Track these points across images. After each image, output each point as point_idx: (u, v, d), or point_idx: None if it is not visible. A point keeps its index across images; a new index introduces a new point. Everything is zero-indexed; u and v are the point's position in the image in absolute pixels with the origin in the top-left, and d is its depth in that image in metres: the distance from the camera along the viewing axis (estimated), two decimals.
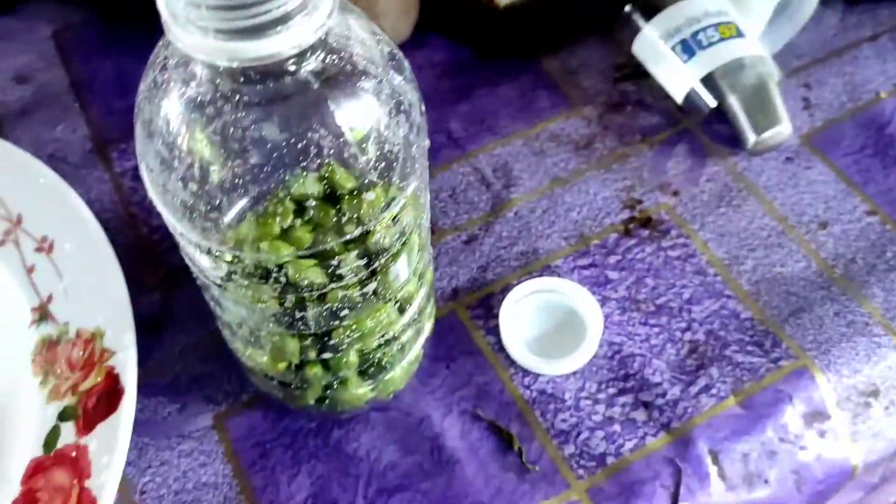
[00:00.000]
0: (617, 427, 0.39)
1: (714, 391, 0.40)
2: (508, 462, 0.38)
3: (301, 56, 0.25)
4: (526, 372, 0.41)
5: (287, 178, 0.27)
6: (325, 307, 0.31)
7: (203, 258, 0.31)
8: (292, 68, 0.25)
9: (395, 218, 0.30)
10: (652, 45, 0.49)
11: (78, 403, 0.35)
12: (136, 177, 0.47)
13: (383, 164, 0.28)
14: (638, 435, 0.39)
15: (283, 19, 0.23)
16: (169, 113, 0.27)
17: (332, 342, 0.33)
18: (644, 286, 0.43)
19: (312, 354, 0.34)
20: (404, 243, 0.32)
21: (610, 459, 0.38)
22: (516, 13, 0.51)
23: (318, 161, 0.27)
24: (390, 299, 0.33)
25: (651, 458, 0.38)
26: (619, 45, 0.52)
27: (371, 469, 0.38)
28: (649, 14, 0.49)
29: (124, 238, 0.45)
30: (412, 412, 0.40)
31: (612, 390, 0.40)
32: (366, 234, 0.29)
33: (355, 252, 0.30)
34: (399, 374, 0.38)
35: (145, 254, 0.44)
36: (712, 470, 0.38)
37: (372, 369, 0.36)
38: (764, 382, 0.40)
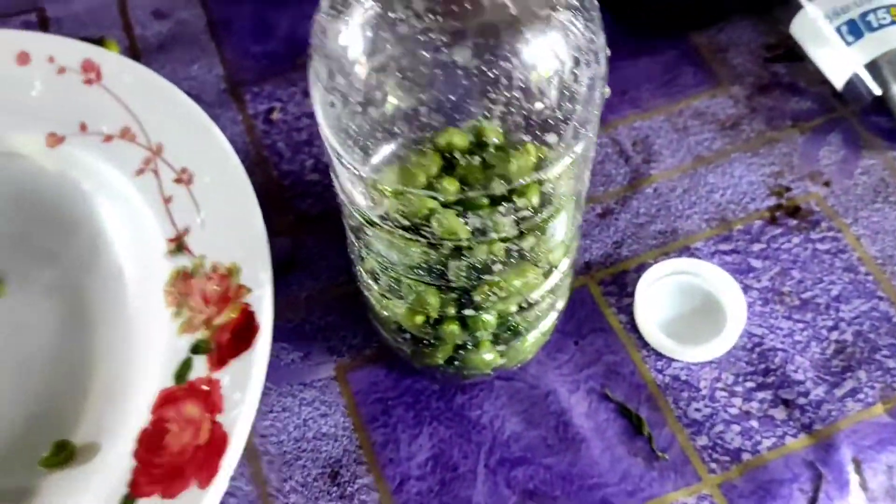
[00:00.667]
0: (754, 423, 0.37)
1: (861, 396, 0.38)
2: (636, 447, 0.37)
3: None
4: (659, 355, 0.39)
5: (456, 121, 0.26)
6: (477, 260, 0.30)
7: (360, 196, 0.30)
8: None
9: (563, 173, 0.28)
10: (814, 23, 0.46)
11: (211, 337, 0.35)
12: (268, 120, 0.46)
13: (566, 103, 0.27)
14: (776, 434, 0.37)
15: None
16: (354, 32, 0.25)
17: (474, 300, 0.32)
18: (789, 278, 0.41)
19: (452, 311, 0.33)
20: (566, 200, 0.30)
21: (745, 456, 0.36)
22: None
23: (503, 96, 0.25)
24: (540, 261, 0.32)
25: (790, 459, 0.36)
26: (775, 23, 0.50)
27: (494, 438, 0.37)
28: None
29: (255, 180, 0.44)
30: (538, 385, 0.38)
31: (750, 384, 0.38)
32: (531, 188, 0.28)
33: (521, 196, 0.28)
34: (529, 344, 0.37)
35: (275, 198, 0.44)
36: (853, 479, 0.36)
37: (506, 334, 0.35)
38: None
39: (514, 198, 0.28)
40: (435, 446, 0.37)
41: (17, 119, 0.41)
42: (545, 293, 0.34)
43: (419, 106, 0.26)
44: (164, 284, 0.37)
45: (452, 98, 0.26)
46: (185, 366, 0.34)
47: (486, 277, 0.31)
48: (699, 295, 0.40)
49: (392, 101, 0.26)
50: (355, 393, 0.38)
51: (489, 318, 0.33)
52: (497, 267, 0.31)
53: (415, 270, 0.31)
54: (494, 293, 0.32)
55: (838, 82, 0.45)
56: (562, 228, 0.31)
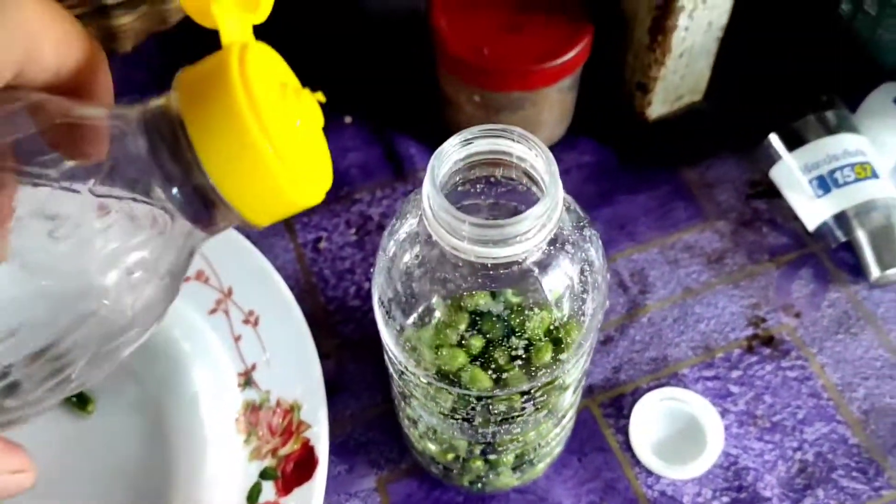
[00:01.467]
0: None
1: None
2: None
3: (528, 254, 0.31)
4: (650, 473, 0.46)
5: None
6: (499, 427, 0.37)
7: (410, 378, 0.37)
8: (520, 260, 0.31)
9: (573, 365, 0.36)
10: (790, 174, 0.53)
11: (277, 466, 0.42)
12: (316, 249, 0.54)
13: (573, 323, 0.34)
14: None
15: (524, 234, 0.29)
16: (413, 266, 0.33)
17: (497, 447, 0.39)
18: (762, 402, 0.48)
19: (477, 452, 0.40)
20: (574, 380, 0.37)
21: None
22: (663, 126, 0.56)
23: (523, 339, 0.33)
24: (553, 418, 0.39)
25: None
26: (757, 161, 0.57)
27: None
28: (791, 144, 0.53)
29: (304, 306, 0.51)
30: (546, 498, 0.46)
31: (725, 499, 0.45)
32: (546, 382, 0.35)
33: (527, 397, 0.36)
34: (542, 467, 0.44)
35: (322, 322, 0.51)
36: None
37: (524, 465, 0.42)
38: None
39: (530, 356, 0.36)
40: None
41: None
42: (556, 435, 0.41)
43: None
44: (236, 413, 0.44)
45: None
46: (256, 489, 0.42)
47: (507, 436, 0.38)
48: (685, 419, 0.48)
49: (438, 321, 0.33)
50: (393, 503, 0.46)
51: (510, 457, 0.40)
52: (516, 430, 0.38)
53: (446, 420, 0.39)
54: (514, 443, 0.39)
55: (810, 226, 0.53)
56: (570, 396, 0.39)
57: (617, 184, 0.56)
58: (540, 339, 0.33)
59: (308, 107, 0.26)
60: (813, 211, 0.52)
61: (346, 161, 0.57)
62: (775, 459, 0.46)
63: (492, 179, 0.33)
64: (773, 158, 0.54)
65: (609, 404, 0.48)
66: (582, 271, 0.33)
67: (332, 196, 0.56)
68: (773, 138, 0.54)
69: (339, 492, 0.46)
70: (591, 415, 0.48)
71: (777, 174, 0.54)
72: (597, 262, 0.34)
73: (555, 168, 0.30)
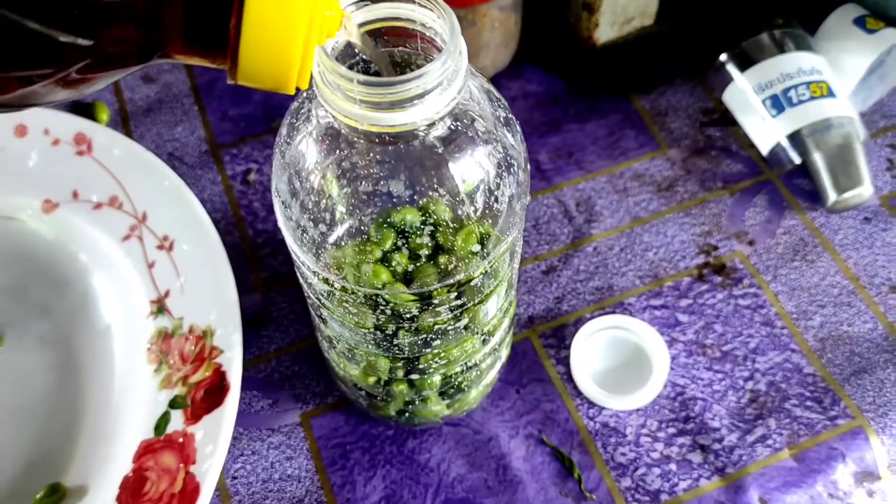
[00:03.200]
0: (673, 466, 0.42)
1: (770, 442, 0.42)
2: (567, 488, 0.41)
3: (430, 125, 0.28)
4: (591, 404, 0.43)
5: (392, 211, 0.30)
6: (419, 337, 0.35)
7: (314, 279, 0.34)
8: (421, 134, 0.28)
9: (492, 265, 0.33)
10: (742, 95, 0.50)
11: (187, 394, 0.39)
12: (245, 181, 0.51)
13: (489, 217, 0.31)
14: (693, 476, 0.41)
15: (421, 96, 0.26)
16: (306, 156, 0.30)
17: (420, 366, 0.37)
18: (712, 332, 0.45)
19: (400, 374, 0.37)
20: (497, 285, 0.35)
21: (664, 497, 0.41)
22: (613, 52, 0.53)
23: (431, 213, 0.30)
24: (477, 332, 0.36)
25: (703, 500, 0.41)
26: (709, 90, 0.54)
27: (440, 480, 0.41)
28: (743, 64, 0.50)
29: (231, 239, 0.49)
30: (482, 430, 0.43)
31: (671, 430, 0.43)
32: (462, 279, 0.32)
33: (450, 292, 0.33)
34: (474, 395, 0.41)
35: (248, 256, 0.48)
36: None
37: (451, 390, 0.39)
38: (819, 438, 0.42)
39: (457, 272, 0.33)
40: (388, 487, 0.41)
41: (15, 186, 0.46)
42: (484, 355, 0.39)
43: (362, 219, 0.30)
44: (147, 342, 0.41)
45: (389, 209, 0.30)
46: (164, 419, 0.39)
47: (428, 350, 0.35)
48: (629, 348, 0.45)
49: (338, 211, 0.30)
50: (318, 438, 0.43)
51: (435, 379, 0.38)
52: (437, 342, 0.35)
53: (364, 343, 0.36)
54: (437, 361, 0.36)
55: (764, 149, 0.50)
56: (495, 305, 0.36)
57: (565, 112, 0.54)
58: (447, 226, 0.30)
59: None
60: (767, 132, 0.49)
61: (280, 94, 0.54)
62: (725, 389, 0.44)
63: (395, 60, 0.31)
64: (725, 80, 0.51)
65: (550, 335, 0.46)
66: (497, 159, 0.30)
67: (264, 127, 0.53)
68: (724, 59, 0.51)
69: (261, 427, 0.43)
70: (531, 346, 0.45)
71: (730, 97, 0.51)
72: (514, 148, 0.31)
73: (457, 25, 0.27)
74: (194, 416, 0.38)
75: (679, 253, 0.48)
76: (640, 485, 0.41)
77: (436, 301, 0.33)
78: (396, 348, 0.35)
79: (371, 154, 0.29)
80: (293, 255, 0.34)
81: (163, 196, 0.44)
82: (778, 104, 0.49)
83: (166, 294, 0.42)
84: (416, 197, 0.29)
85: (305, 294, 0.37)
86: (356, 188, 0.29)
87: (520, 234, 0.35)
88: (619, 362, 0.45)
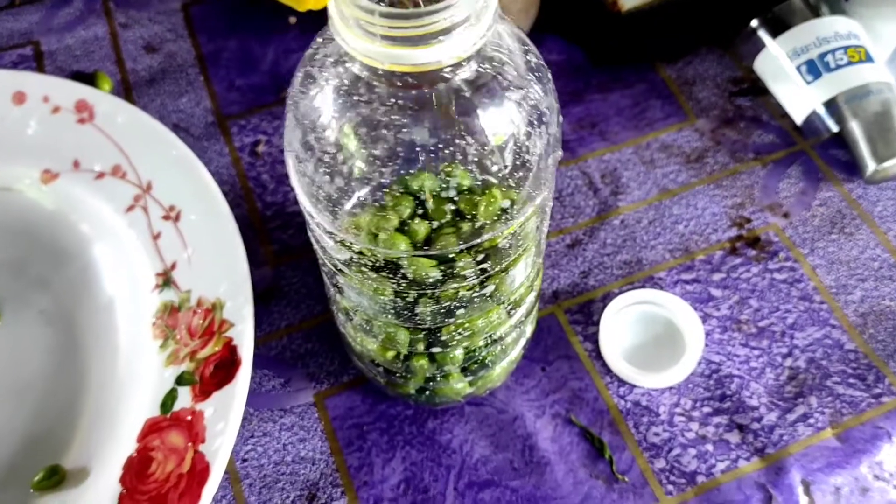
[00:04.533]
0: (710, 447, 0.39)
1: (812, 421, 0.40)
2: (598, 469, 0.39)
3: (457, 65, 0.25)
4: (622, 382, 0.41)
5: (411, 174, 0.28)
6: (441, 305, 0.32)
7: (330, 243, 0.32)
8: (447, 76, 0.26)
9: (521, 226, 0.30)
10: (776, 62, 0.48)
11: (196, 370, 0.37)
12: (253, 153, 0.49)
13: (520, 171, 0.29)
14: (730, 457, 0.39)
15: (447, 31, 0.24)
16: (322, 107, 0.28)
17: (442, 337, 0.34)
18: (747, 307, 0.43)
19: (421, 347, 0.35)
20: (524, 250, 0.32)
21: (700, 478, 0.38)
22: (638, 19, 0.51)
23: (459, 163, 0.27)
24: (503, 301, 0.34)
25: (742, 482, 0.38)
26: (739, 59, 0.52)
27: (463, 461, 0.39)
28: (775, 30, 0.48)
29: (239, 212, 0.46)
30: (506, 410, 0.40)
31: (707, 409, 0.40)
32: (487, 241, 0.30)
33: (476, 254, 0.30)
34: (498, 372, 0.39)
35: (258, 229, 0.46)
36: (803, 500, 0.38)
37: (475, 366, 0.37)
38: (863, 417, 0.40)
39: (482, 233, 0.30)
40: (407, 469, 0.39)
41: (14, 156, 0.43)
42: (510, 328, 0.36)
43: (382, 172, 0.28)
44: (152, 317, 0.39)
45: (412, 169, 0.28)
46: (171, 396, 0.37)
47: (451, 320, 0.33)
48: (660, 323, 0.43)
49: (357, 166, 0.28)
50: (333, 418, 0.40)
51: (457, 353, 0.35)
52: (461, 311, 0.33)
53: (383, 313, 0.33)
54: (460, 332, 0.34)
55: (798, 118, 0.48)
56: (522, 272, 0.33)
57: (588, 82, 0.52)
58: (474, 184, 0.28)
59: None
60: (801, 100, 0.47)
61: (289, 62, 0.52)
62: (762, 366, 0.41)
63: None
64: (756, 48, 0.49)
65: (576, 310, 0.43)
66: (528, 108, 0.28)
67: (272, 97, 0.51)
68: (756, 24, 0.49)
69: (272, 407, 0.41)
70: (557, 321, 0.43)
71: (762, 64, 0.49)
72: (546, 98, 0.29)
73: None
74: (203, 393, 0.36)
75: (710, 226, 0.46)
76: (676, 466, 0.39)
77: (459, 265, 0.30)
78: (417, 318, 0.33)
79: (393, 100, 0.26)
80: (307, 217, 0.32)
81: (169, 165, 0.42)
82: (814, 70, 0.46)
83: (173, 266, 0.40)
84: (441, 147, 0.27)
85: (320, 262, 0.35)
86: (377, 138, 0.27)
87: (550, 193, 0.33)
88: (650, 338, 0.42)
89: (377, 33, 0.24)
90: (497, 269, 0.32)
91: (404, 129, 0.27)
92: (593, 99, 0.51)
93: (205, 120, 0.50)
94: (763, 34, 0.49)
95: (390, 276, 0.31)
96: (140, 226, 0.41)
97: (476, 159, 0.27)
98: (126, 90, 0.51)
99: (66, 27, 0.54)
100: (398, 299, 0.32)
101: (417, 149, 0.27)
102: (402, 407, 0.41)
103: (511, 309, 0.35)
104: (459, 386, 0.38)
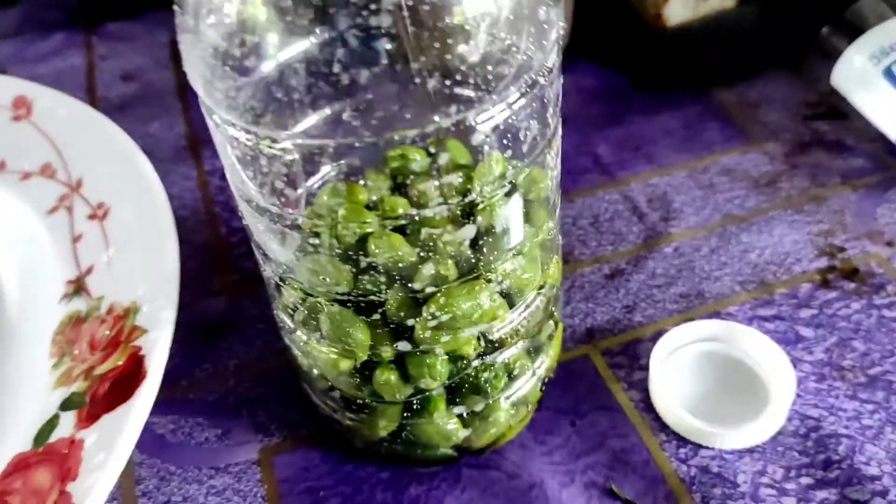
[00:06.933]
0: None
1: None
2: None
3: None
4: (682, 441, 0.30)
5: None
6: (410, 288, 0.23)
7: (267, 225, 0.23)
8: None
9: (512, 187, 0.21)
10: (858, 70, 0.39)
11: (88, 390, 0.27)
12: (224, 177, 0.41)
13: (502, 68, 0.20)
14: None
15: None
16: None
17: (414, 333, 0.24)
18: (850, 350, 0.32)
19: (386, 349, 0.25)
20: (529, 205, 0.23)
21: None
22: (685, 36, 0.43)
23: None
24: (493, 271, 0.24)
25: None
26: (812, 78, 0.43)
27: None
28: (851, 36, 0.40)
29: (200, 237, 0.38)
30: (519, 475, 0.29)
31: (806, 479, 0.28)
32: (473, 205, 0.21)
33: (458, 225, 0.22)
34: (504, 414, 0.28)
35: (220, 256, 0.37)
36: None
37: (466, 390, 0.26)
38: None
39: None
40: None
41: None
42: (510, 332, 0.26)
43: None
44: (53, 333, 0.30)
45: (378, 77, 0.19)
46: (50, 425, 0.27)
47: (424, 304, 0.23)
48: (731, 366, 0.31)
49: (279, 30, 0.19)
50: (281, 480, 0.29)
51: (437, 359, 0.25)
52: (430, 289, 0.23)
53: (332, 302, 0.24)
54: (436, 316, 0.24)
55: (893, 132, 0.38)
56: (517, 221, 0.24)
57: (627, 106, 0.43)
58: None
59: None
60: (894, 109, 0.38)
61: None
62: (880, 425, 0.29)
63: None
64: (831, 59, 0.40)
65: (618, 352, 0.33)
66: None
67: None
68: (827, 32, 0.40)
69: (201, 465, 0.30)
70: (592, 365, 0.32)
71: (840, 77, 0.40)
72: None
73: None
74: (90, 418, 0.26)
75: (792, 255, 0.35)
76: None
77: (434, 238, 0.21)
78: (379, 309, 0.23)
79: None
80: (228, 174, 0.23)
81: (106, 157, 0.34)
82: None
83: (88, 270, 0.31)
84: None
85: (257, 249, 0.26)
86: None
87: (558, 126, 0.24)
88: (718, 386, 0.31)
89: None
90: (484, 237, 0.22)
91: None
92: (635, 121, 0.42)
93: (175, 144, 0.43)
94: (837, 41, 0.40)
95: (345, 260, 0.22)
96: (60, 229, 0.33)
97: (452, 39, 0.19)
98: None
99: (40, 59, 0.49)
100: (355, 287, 0.23)
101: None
102: (374, 469, 0.30)
103: (510, 296, 0.25)
104: (451, 426, 0.27)
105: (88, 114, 0.36)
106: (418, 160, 0.22)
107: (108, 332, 0.28)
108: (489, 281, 0.24)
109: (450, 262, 0.23)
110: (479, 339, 0.25)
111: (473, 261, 0.23)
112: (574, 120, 0.42)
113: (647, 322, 0.33)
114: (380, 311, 0.24)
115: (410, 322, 0.24)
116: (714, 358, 0.32)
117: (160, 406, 0.32)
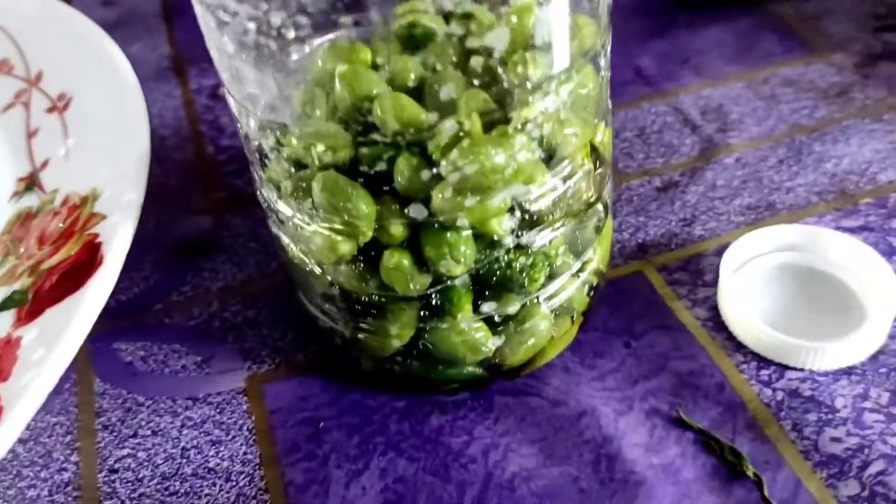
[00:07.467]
0: None
1: None
2: (736, 497, 0.21)
3: None
4: (764, 361, 0.24)
5: None
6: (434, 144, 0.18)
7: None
8: None
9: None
10: None
11: (32, 286, 0.22)
12: (214, 95, 0.36)
13: None
14: None
15: None
16: None
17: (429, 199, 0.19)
18: None
19: (397, 225, 0.20)
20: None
21: None
22: None
23: None
24: (528, 118, 0.19)
25: None
26: None
27: (489, 476, 0.22)
28: None
29: (184, 156, 0.33)
30: (564, 401, 0.24)
31: None
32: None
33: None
34: (544, 325, 0.23)
35: (205, 174, 0.32)
36: None
37: (494, 279, 0.21)
38: None
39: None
40: (388, 489, 0.22)
41: None
42: (551, 205, 0.21)
43: None
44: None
45: None
46: None
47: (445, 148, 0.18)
48: (816, 278, 0.26)
49: None
50: (272, 411, 0.24)
51: (458, 235, 0.20)
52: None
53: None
54: (459, 168, 0.18)
55: None
56: (562, 35, 0.19)
57: (673, 20, 0.38)
58: None
59: None
60: None
61: None
62: None
63: None
64: None
65: (677, 267, 0.27)
66: None
67: None
68: None
69: (175, 395, 0.25)
70: (647, 282, 0.27)
71: None
72: None
73: None
74: (31, 314, 0.21)
75: (875, 164, 0.30)
76: (878, 491, 0.21)
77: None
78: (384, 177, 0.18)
79: None
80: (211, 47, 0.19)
81: (69, 46, 0.29)
82: None
83: (43, 165, 0.26)
84: None
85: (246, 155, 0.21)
86: None
87: None
88: (801, 300, 0.26)
89: None
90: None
91: None
92: (680, 34, 0.37)
93: (157, 65, 0.38)
94: None
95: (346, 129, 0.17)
96: (15, 126, 0.28)
97: None
98: None
99: None
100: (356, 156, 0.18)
101: None
102: (386, 397, 0.24)
103: (549, 149, 0.20)
104: (478, 334, 0.22)
105: (51, 5, 0.31)
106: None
107: (60, 225, 0.23)
108: (524, 128, 0.19)
109: (474, 115, 0.18)
110: (512, 209, 0.20)
111: (506, 87, 0.18)
112: (614, 37, 0.38)
113: (709, 235, 0.28)
114: (386, 187, 0.19)
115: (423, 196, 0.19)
116: (795, 269, 0.26)
117: (128, 333, 0.27)
